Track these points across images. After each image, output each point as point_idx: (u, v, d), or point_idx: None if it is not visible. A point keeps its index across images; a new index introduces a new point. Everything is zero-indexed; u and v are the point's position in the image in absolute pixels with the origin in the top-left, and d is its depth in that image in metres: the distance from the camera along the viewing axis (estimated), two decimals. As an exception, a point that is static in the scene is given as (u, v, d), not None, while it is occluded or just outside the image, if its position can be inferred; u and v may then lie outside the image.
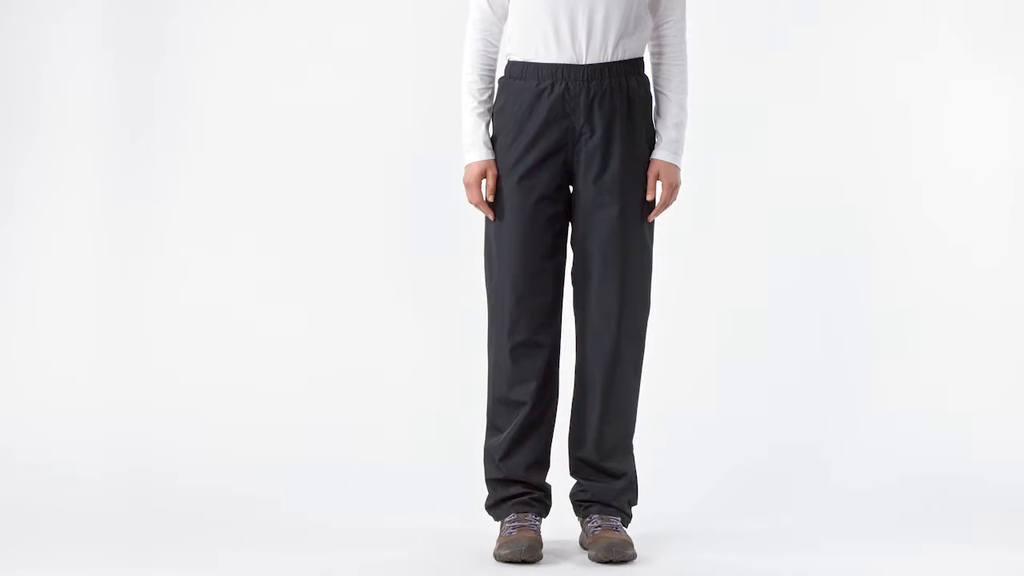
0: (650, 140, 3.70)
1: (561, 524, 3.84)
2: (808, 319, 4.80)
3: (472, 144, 3.70)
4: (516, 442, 3.71)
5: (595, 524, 3.68)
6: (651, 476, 3.92)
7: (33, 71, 4.90)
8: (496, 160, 3.69)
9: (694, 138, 3.84)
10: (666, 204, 3.70)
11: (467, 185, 3.71)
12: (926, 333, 4.78)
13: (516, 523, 3.68)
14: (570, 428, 3.77)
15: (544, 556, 3.66)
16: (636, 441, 3.79)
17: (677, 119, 3.70)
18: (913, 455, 4.50)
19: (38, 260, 4.90)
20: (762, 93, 4.85)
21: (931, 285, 4.80)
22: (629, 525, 3.76)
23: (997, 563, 3.65)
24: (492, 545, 3.72)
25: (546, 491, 3.77)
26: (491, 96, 3.73)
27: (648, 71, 3.75)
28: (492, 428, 3.76)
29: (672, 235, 3.89)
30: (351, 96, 4.88)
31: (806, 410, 4.66)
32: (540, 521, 3.72)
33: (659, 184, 3.69)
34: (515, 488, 3.73)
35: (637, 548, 3.67)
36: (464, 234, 4.38)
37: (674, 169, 3.70)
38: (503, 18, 3.70)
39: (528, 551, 3.59)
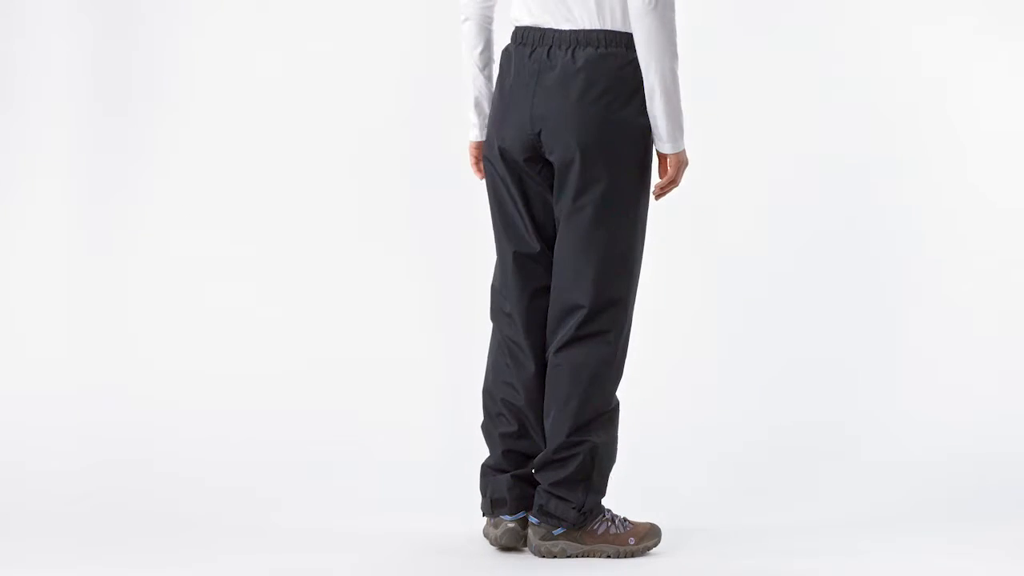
0: (636, 107, 3.60)
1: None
2: (810, 320, 4.82)
3: (470, 124, 3.78)
4: (502, 458, 3.72)
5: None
6: (652, 476, 3.97)
7: (6, 46, 4.85)
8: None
9: (700, 128, 3.83)
10: (673, 181, 3.67)
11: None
12: (928, 333, 4.81)
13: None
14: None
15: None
16: (634, 440, 3.78)
17: (662, 108, 3.60)
18: (914, 456, 4.52)
19: (11, 241, 4.85)
20: (766, 86, 4.86)
21: (935, 285, 4.84)
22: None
23: (997, 563, 3.66)
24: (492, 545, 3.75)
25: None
26: (490, 75, 3.75)
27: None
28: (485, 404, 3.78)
29: (675, 232, 3.86)
30: (341, 73, 4.87)
31: (807, 410, 4.67)
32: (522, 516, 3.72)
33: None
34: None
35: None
36: (465, 220, 4.38)
37: (674, 156, 3.65)
38: None
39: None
